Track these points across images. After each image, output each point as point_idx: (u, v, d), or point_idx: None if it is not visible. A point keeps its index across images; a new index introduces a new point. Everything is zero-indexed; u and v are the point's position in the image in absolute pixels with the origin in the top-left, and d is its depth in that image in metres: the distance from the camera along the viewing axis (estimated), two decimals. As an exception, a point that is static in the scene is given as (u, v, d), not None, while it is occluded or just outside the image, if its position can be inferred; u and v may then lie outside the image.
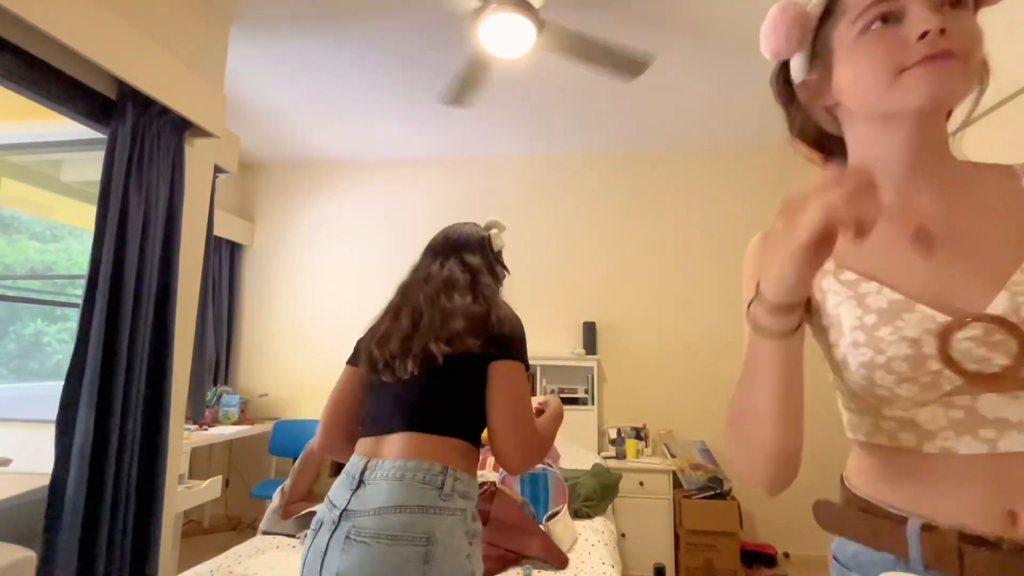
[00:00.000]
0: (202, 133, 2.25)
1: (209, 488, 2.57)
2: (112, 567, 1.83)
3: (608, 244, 3.80)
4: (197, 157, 2.30)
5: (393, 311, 1.16)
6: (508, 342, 1.06)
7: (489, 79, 2.34)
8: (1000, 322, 0.53)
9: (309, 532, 1.02)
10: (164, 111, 2.02)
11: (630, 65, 2.24)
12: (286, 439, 3.71)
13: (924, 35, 0.54)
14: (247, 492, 3.60)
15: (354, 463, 1.04)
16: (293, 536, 1.67)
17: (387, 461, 1.00)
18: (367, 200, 4.12)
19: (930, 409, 0.56)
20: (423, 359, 1.04)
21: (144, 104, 1.96)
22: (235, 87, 3.03)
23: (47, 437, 1.72)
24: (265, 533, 1.80)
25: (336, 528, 0.95)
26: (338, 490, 1.02)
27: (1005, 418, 0.53)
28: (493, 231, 1.28)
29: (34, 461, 1.87)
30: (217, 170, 2.63)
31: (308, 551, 0.98)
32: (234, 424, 3.54)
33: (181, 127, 2.13)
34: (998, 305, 0.54)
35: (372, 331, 1.16)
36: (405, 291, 1.19)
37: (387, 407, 1.08)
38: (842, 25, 0.60)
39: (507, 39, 2.07)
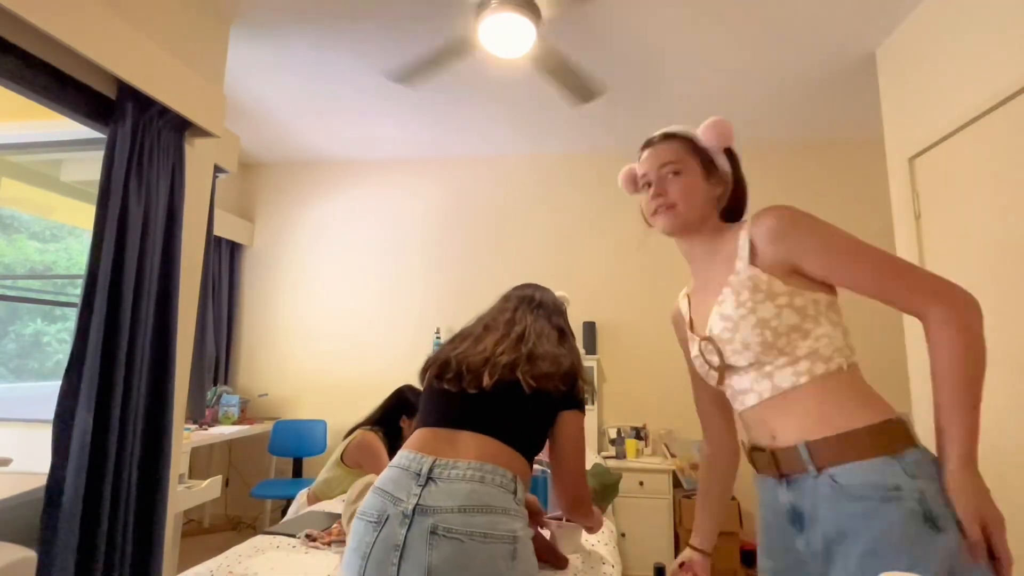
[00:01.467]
0: (202, 133, 2.25)
1: (209, 488, 2.57)
2: (112, 567, 1.83)
3: (608, 244, 3.80)
4: (197, 157, 2.30)
5: (474, 338, 1.27)
6: (582, 397, 1.27)
7: (452, 69, 2.36)
8: (705, 338, 0.98)
9: (361, 523, 1.03)
10: (164, 111, 2.02)
11: (584, 92, 2.43)
12: (286, 439, 3.71)
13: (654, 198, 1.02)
14: (247, 492, 3.60)
15: (414, 459, 1.07)
16: (293, 536, 1.67)
17: (461, 461, 1.04)
18: (367, 200, 4.12)
19: (725, 388, 1.00)
20: (499, 380, 1.15)
21: (144, 104, 1.96)
22: (235, 87, 3.03)
23: (47, 437, 1.72)
24: (266, 533, 1.81)
25: (411, 523, 0.97)
26: (398, 484, 1.04)
27: (742, 389, 0.95)
28: (566, 304, 1.51)
29: (34, 461, 1.87)
30: (217, 170, 2.63)
31: (376, 540, 0.99)
32: (234, 424, 3.55)
33: (181, 127, 2.13)
34: (710, 327, 0.96)
35: (448, 348, 1.27)
36: (487, 325, 1.32)
37: (453, 410, 1.15)
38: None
39: (507, 39, 2.07)
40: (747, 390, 0.92)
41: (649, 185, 1.03)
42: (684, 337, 1.10)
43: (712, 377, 0.99)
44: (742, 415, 0.98)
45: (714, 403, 1.15)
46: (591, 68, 2.80)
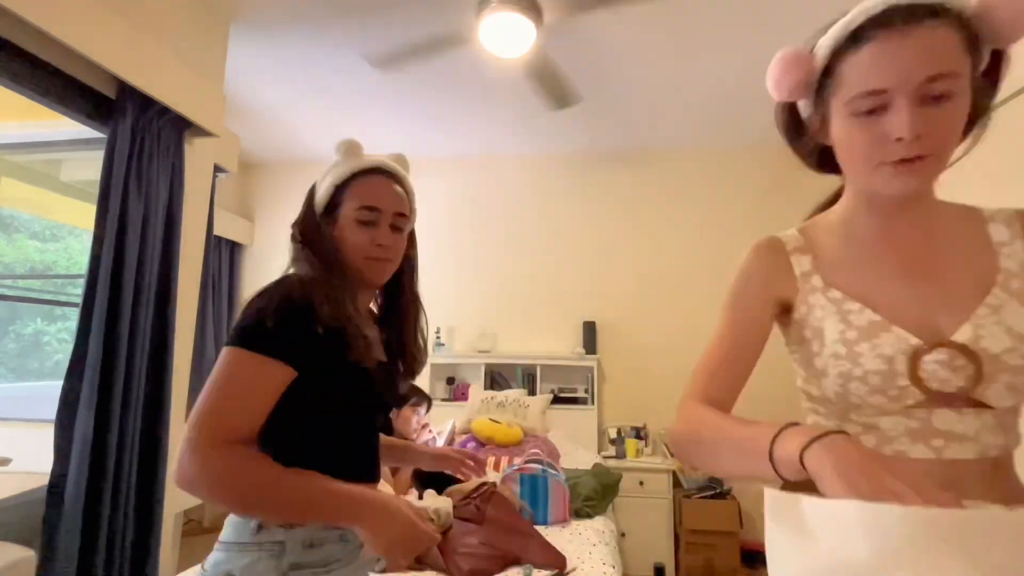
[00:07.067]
0: (202, 132, 2.25)
1: (209, 488, 2.56)
2: (112, 566, 1.83)
3: (608, 243, 3.80)
4: (197, 156, 2.30)
5: None
6: (244, 325, 0.83)
7: (444, 66, 2.37)
8: (963, 349, 0.62)
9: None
10: (164, 110, 2.02)
11: (561, 98, 2.50)
12: (286, 439, 3.70)
13: (901, 139, 0.60)
14: (247, 491, 3.59)
15: None
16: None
17: None
18: (367, 200, 4.11)
19: (892, 418, 0.66)
20: None
21: (144, 103, 1.96)
22: (235, 87, 3.03)
23: (47, 437, 1.72)
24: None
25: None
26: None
27: (951, 431, 0.63)
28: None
29: (34, 461, 1.87)
30: (217, 169, 2.63)
31: None
32: (234, 424, 3.54)
33: (181, 126, 2.13)
34: (963, 334, 0.62)
35: None
36: None
37: None
38: (839, 95, 0.65)
39: (507, 39, 2.07)
40: (965, 437, 0.63)
41: (883, 110, 0.60)
42: (779, 295, 0.75)
43: (908, 398, 0.63)
44: (902, 458, 0.65)
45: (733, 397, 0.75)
46: (588, 67, 2.81)
